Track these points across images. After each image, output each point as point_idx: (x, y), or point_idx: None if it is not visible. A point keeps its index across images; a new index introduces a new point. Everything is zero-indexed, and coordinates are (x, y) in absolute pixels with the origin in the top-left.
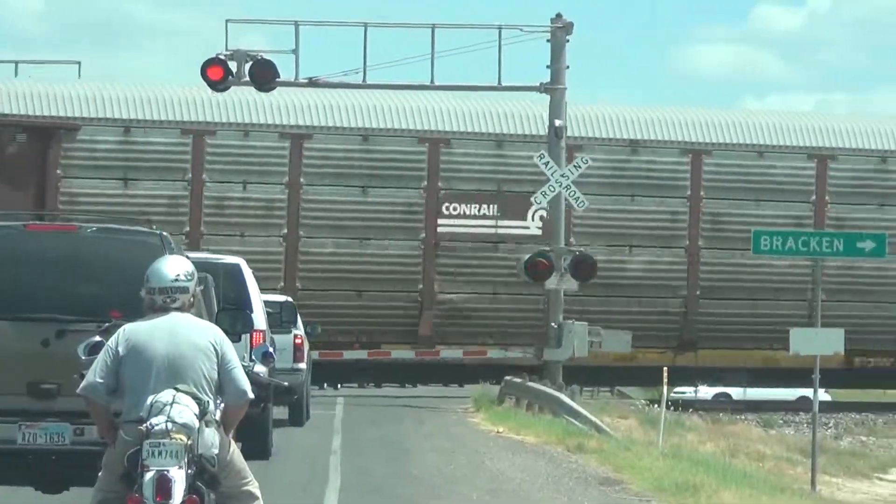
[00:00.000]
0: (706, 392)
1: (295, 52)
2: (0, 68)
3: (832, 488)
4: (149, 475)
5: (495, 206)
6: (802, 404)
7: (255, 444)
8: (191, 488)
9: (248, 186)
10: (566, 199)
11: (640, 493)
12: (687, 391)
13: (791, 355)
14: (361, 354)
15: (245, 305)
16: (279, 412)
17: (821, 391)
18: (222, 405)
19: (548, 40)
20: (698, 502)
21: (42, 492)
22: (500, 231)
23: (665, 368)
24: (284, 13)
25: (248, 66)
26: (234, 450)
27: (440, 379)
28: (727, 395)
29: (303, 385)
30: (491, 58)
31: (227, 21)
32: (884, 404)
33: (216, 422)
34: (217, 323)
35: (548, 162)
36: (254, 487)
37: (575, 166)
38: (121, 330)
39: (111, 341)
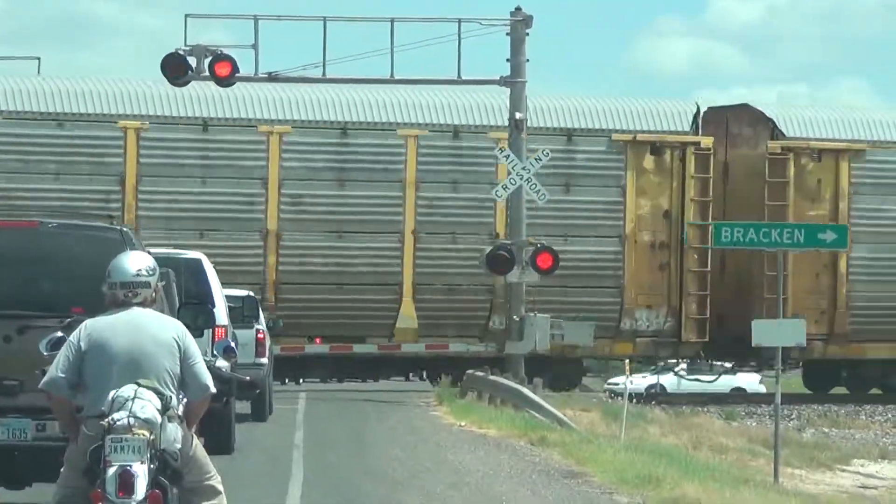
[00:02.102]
0: (639, 383)
1: (254, 46)
2: None
3: (795, 480)
4: (111, 470)
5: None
6: (736, 396)
7: (218, 439)
8: (153, 483)
9: None
10: (527, 193)
11: (602, 486)
12: (620, 382)
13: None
14: (324, 349)
15: (207, 300)
16: (242, 407)
17: (755, 382)
18: (184, 400)
19: (507, 34)
20: (660, 495)
21: (4, 487)
22: None
23: (627, 361)
24: (244, 8)
25: (207, 62)
26: (197, 444)
27: (401, 372)
28: (662, 387)
29: (265, 380)
30: (451, 51)
31: (186, 16)
32: (846, 395)
33: (178, 416)
34: (179, 318)
35: (508, 155)
36: (216, 482)
37: (536, 159)
38: (82, 325)
39: (73, 336)
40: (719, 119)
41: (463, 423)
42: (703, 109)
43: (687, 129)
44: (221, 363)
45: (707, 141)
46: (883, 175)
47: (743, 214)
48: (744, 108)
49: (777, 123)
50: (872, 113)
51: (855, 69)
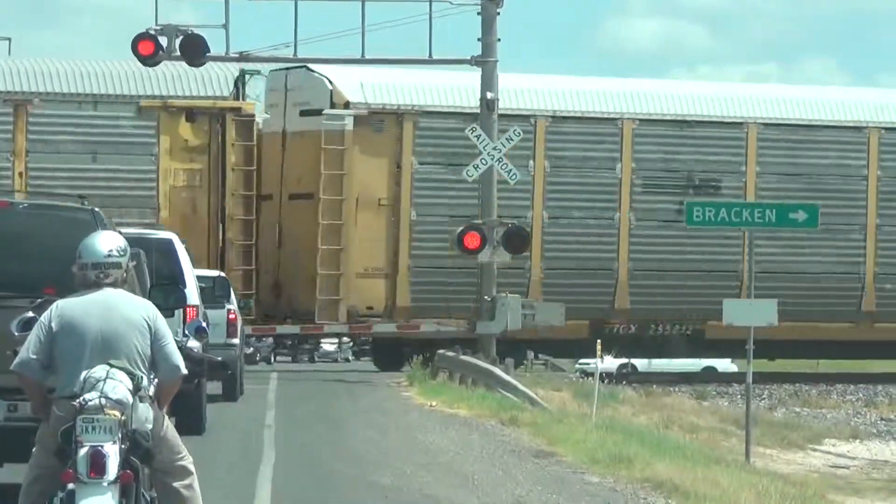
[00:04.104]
0: (611, 363)
1: (225, 26)
2: None
3: (766, 460)
4: (83, 451)
5: None
6: (707, 375)
7: (189, 420)
8: (125, 463)
9: None
10: (498, 172)
11: (574, 466)
12: (591, 362)
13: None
14: (294, 329)
15: (178, 280)
16: (213, 387)
17: (727, 361)
18: (156, 381)
19: (478, 13)
20: (632, 474)
21: None
22: None
23: (599, 341)
24: None
25: (178, 41)
26: (168, 425)
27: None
28: (633, 367)
29: (236, 360)
30: (422, 31)
31: None
32: (818, 375)
33: (150, 397)
34: (150, 298)
35: (479, 135)
36: (188, 462)
37: (507, 139)
38: (54, 306)
39: (44, 317)
40: None
41: (434, 404)
42: None
43: None
44: (193, 343)
45: None
46: None
47: None
48: None
49: None
50: None
51: (824, 48)
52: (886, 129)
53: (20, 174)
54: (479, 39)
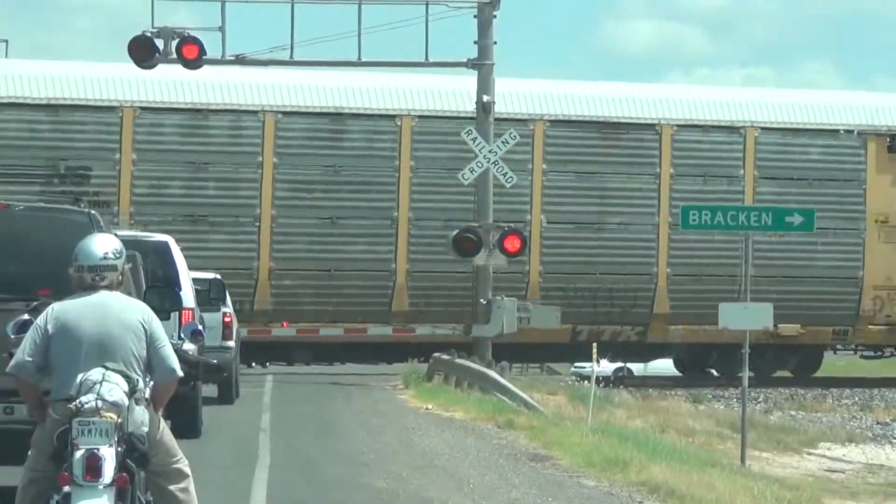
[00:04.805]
0: (606, 367)
1: (221, 29)
2: None
3: (762, 463)
4: (78, 454)
5: None
6: (703, 378)
7: (185, 423)
8: (121, 466)
9: None
10: (494, 175)
11: (569, 469)
12: (587, 366)
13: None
14: (290, 332)
15: (173, 283)
16: (208, 390)
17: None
18: (151, 383)
19: (475, 16)
20: (628, 477)
21: None
22: None
23: (594, 344)
24: None
25: (174, 44)
26: (164, 428)
27: (366, 357)
28: (629, 371)
29: (232, 363)
30: (418, 34)
31: None
32: (813, 379)
33: (146, 400)
34: (145, 301)
35: (475, 138)
36: (184, 465)
37: (503, 142)
38: (49, 308)
39: (40, 320)
40: None
41: (429, 407)
42: None
43: None
44: (188, 346)
45: None
46: None
47: None
48: None
49: None
50: None
51: (820, 50)
52: (419, 117)
53: None
54: (475, 42)
